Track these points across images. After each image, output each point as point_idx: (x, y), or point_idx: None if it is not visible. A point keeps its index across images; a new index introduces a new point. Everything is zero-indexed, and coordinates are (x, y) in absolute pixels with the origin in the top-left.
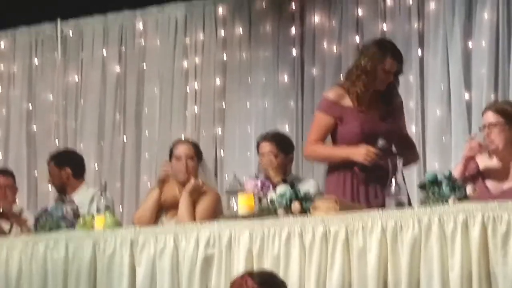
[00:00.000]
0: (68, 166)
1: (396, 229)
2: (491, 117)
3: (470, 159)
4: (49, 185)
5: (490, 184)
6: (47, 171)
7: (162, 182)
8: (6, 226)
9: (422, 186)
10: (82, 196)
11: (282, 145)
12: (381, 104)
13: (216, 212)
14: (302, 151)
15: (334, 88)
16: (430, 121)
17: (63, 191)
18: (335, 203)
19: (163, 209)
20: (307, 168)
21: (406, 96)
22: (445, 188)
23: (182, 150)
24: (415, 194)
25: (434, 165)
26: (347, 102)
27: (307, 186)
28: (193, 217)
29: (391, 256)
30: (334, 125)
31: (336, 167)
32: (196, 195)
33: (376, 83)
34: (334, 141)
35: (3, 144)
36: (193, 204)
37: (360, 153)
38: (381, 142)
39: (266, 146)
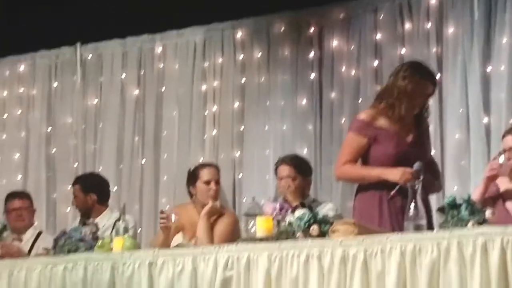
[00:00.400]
0: (94, 191)
1: (414, 252)
2: (511, 141)
3: (491, 179)
4: (69, 208)
5: (510, 207)
6: (72, 193)
7: (166, 230)
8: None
9: (441, 210)
10: (106, 221)
11: (301, 168)
12: (413, 128)
13: (234, 234)
14: (321, 174)
15: (366, 110)
16: (449, 145)
17: (87, 215)
18: (354, 226)
19: (181, 232)
20: (326, 191)
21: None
22: (464, 211)
23: (211, 174)
24: (434, 217)
25: (453, 188)
26: (381, 123)
27: (326, 209)
28: (212, 240)
29: (410, 280)
30: (366, 146)
31: (368, 187)
32: (213, 217)
33: (414, 105)
34: (365, 163)
35: (23, 166)
36: (211, 226)
37: (397, 173)
38: (418, 165)
39: (285, 170)
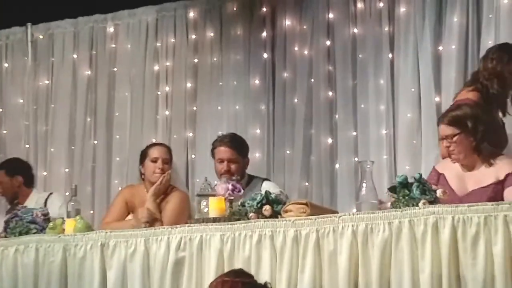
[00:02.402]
0: (19, 174)
1: (366, 231)
2: (446, 130)
3: None
4: None
5: (456, 187)
6: None
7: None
8: None
9: (393, 189)
10: (34, 203)
11: (240, 149)
12: None
13: (184, 212)
14: (273, 154)
15: (470, 91)
16: (400, 124)
17: (14, 199)
18: (306, 206)
19: (131, 211)
20: (278, 171)
21: (377, 99)
22: (415, 190)
23: (159, 152)
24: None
25: (404, 168)
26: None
27: (267, 187)
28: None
29: (362, 259)
30: None
31: None
32: (161, 196)
33: (505, 86)
34: None
35: None
36: (161, 205)
37: None
38: None
39: (225, 152)
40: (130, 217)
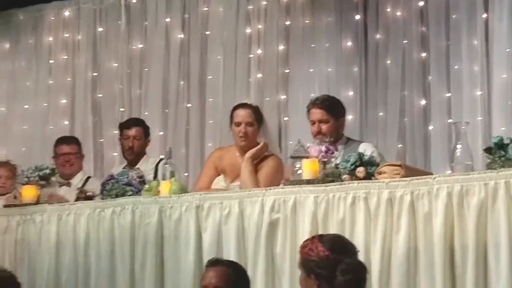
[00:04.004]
0: (149, 136)
1: (462, 193)
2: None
3: None
4: (116, 152)
5: None
6: (127, 136)
7: None
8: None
9: (488, 150)
10: (145, 166)
11: (332, 110)
12: None
13: (278, 177)
14: (366, 115)
15: None
16: (495, 85)
17: (135, 160)
18: (400, 168)
19: (223, 174)
20: (371, 132)
21: (471, 60)
22: (511, 151)
23: (240, 116)
24: (480, 158)
25: (499, 129)
26: None
27: (363, 148)
28: (256, 182)
29: (458, 221)
30: None
31: None
32: (257, 159)
33: None
34: None
35: (70, 112)
36: (256, 169)
37: None
38: None
39: (317, 114)
40: (221, 177)
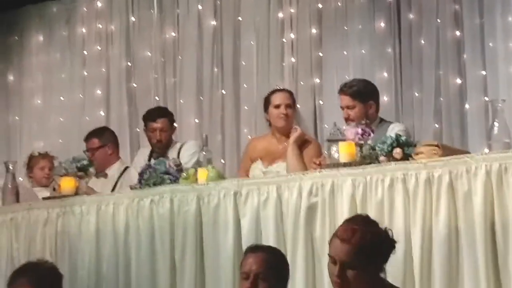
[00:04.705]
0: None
1: (500, 171)
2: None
3: None
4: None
5: None
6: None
7: None
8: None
9: None
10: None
11: (357, 95)
12: None
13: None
14: (401, 96)
15: None
16: None
17: (162, 150)
18: (438, 148)
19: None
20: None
21: (506, 37)
22: None
23: (280, 98)
24: None
25: None
26: None
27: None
28: (304, 165)
29: (497, 199)
30: None
31: None
32: (300, 143)
33: None
34: None
35: (105, 102)
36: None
37: None
38: None
39: (343, 100)
40: (258, 162)
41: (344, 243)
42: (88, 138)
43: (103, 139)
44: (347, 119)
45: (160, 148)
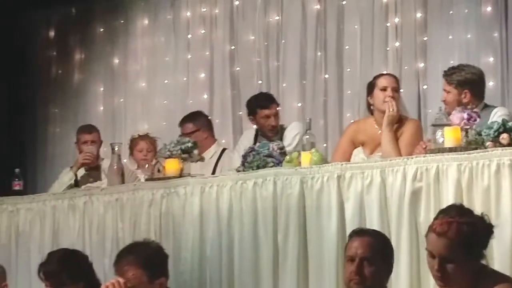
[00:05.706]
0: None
1: None
2: None
3: None
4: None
5: None
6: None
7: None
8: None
9: None
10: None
11: (454, 80)
12: None
13: (419, 140)
14: (508, 81)
15: None
16: None
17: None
18: None
19: (362, 146)
20: None
21: None
22: None
23: (387, 81)
24: None
25: None
26: None
27: (495, 112)
28: (398, 150)
29: None
30: None
31: None
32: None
33: None
34: None
35: (209, 86)
36: (396, 136)
37: None
38: None
39: (444, 84)
40: (360, 149)
41: (440, 237)
42: (182, 123)
43: (197, 123)
44: (444, 102)
45: (275, 134)
